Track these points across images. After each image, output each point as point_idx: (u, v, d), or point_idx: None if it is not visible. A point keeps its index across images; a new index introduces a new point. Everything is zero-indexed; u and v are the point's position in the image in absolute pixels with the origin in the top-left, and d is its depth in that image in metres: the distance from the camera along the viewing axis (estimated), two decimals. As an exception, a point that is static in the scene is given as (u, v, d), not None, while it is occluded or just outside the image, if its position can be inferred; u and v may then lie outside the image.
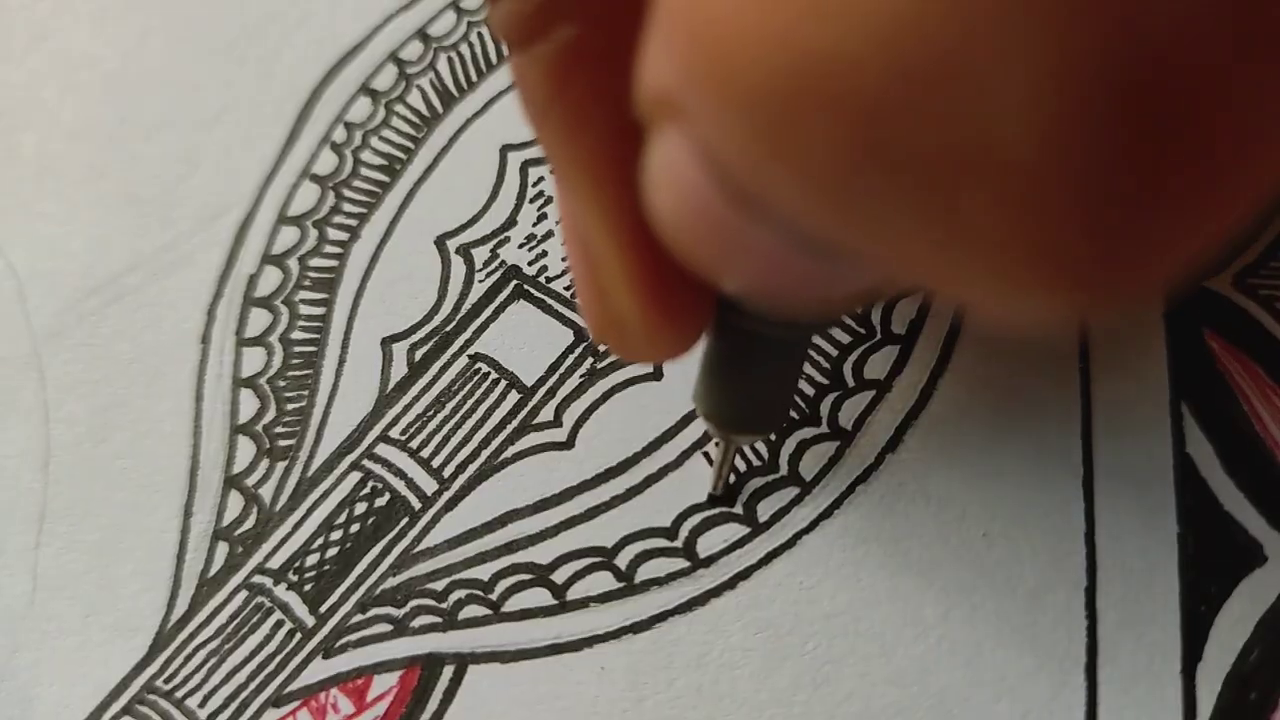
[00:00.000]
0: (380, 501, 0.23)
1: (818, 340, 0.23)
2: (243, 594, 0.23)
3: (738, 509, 0.22)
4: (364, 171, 0.27)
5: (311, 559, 0.23)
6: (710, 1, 0.10)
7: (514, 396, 0.24)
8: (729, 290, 0.16)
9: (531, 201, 0.26)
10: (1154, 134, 0.09)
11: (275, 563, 0.23)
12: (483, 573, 0.23)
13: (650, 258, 0.16)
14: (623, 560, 0.22)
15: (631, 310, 0.16)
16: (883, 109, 0.09)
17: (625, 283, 0.16)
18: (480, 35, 0.28)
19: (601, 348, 0.24)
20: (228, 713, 0.22)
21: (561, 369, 0.24)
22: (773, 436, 0.23)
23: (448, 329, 0.25)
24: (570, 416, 0.24)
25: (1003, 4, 0.08)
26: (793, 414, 0.23)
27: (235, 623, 0.23)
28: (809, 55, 0.09)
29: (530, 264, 0.25)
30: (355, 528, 0.23)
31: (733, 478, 0.23)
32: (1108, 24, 0.08)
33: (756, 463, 0.22)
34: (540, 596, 0.22)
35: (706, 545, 0.22)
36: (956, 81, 0.09)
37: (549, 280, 0.25)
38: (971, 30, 0.09)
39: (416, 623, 0.22)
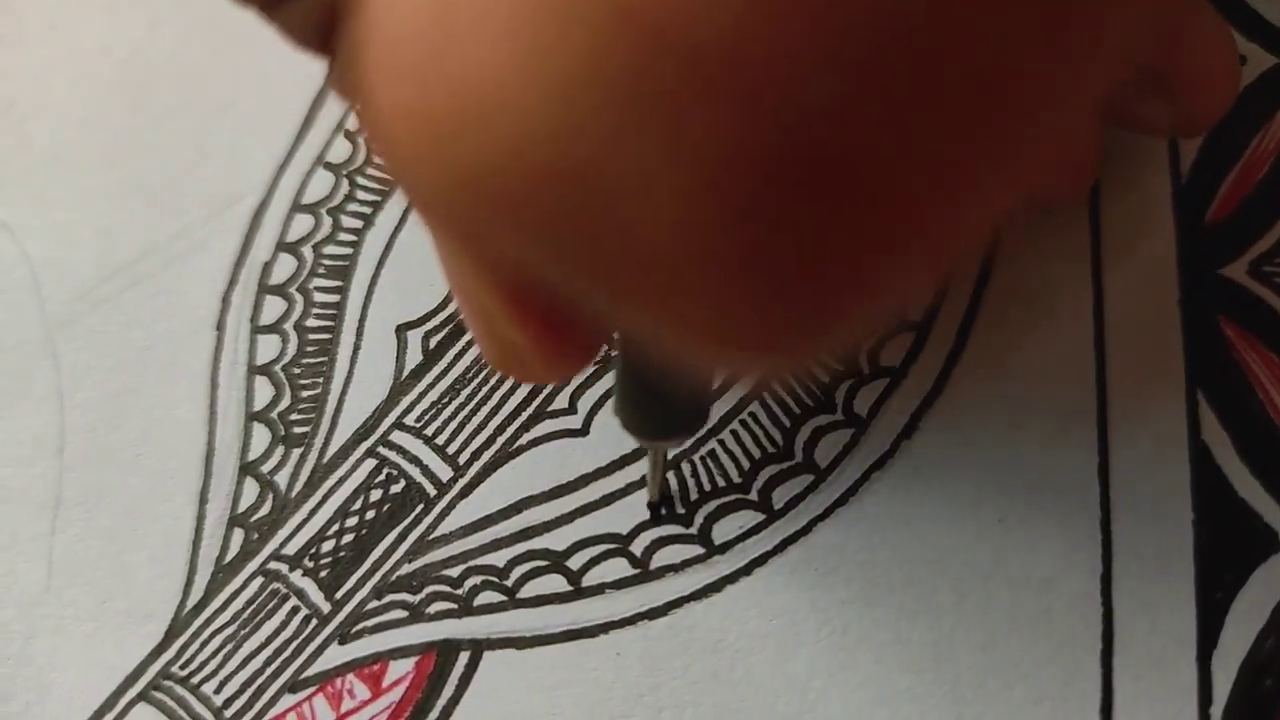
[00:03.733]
0: (396, 488, 0.23)
1: (832, 327, 0.23)
2: (258, 580, 0.23)
3: (752, 496, 0.22)
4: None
5: (327, 545, 0.23)
6: (380, 102, 0.10)
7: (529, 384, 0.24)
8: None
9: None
10: (798, 220, 0.09)
11: (291, 549, 0.23)
12: (498, 559, 0.23)
13: (529, 298, 0.16)
14: (638, 547, 0.22)
15: (524, 345, 0.17)
16: (531, 210, 0.10)
17: (509, 320, 0.17)
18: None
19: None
20: (243, 699, 0.22)
21: (576, 356, 0.24)
22: (788, 423, 0.23)
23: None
24: (585, 403, 0.24)
25: (630, 120, 0.09)
26: (808, 401, 0.23)
27: (251, 609, 0.23)
28: (459, 166, 0.10)
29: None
30: (371, 514, 0.23)
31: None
32: (737, 129, 0.09)
33: (772, 449, 0.22)
34: (555, 583, 0.22)
35: (722, 532, 0.22)
36: (593, 188, 0.09)
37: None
38: (604, 143, 0.09)
39: (432, 609, 0.22)
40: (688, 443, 0.23)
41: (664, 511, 0.22)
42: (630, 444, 0.23)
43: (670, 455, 0.22)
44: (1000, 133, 0.10)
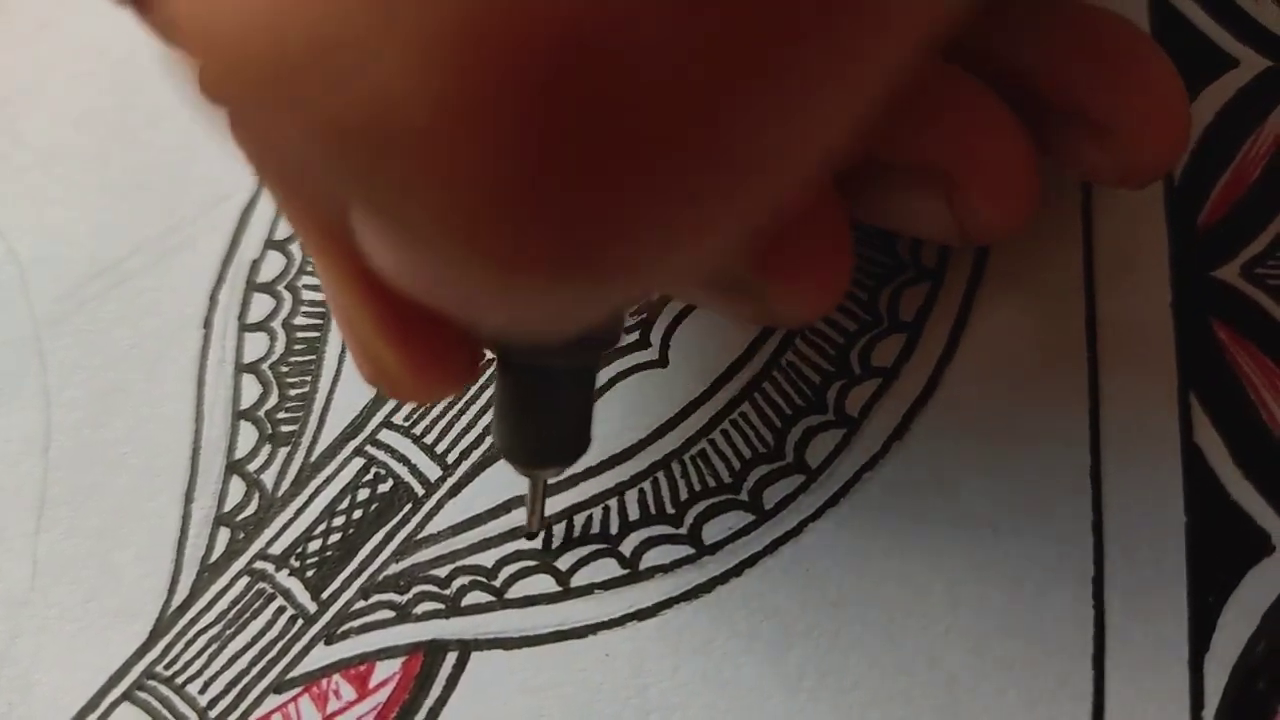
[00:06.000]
0: (383, 487, 0.23)
1: (824, 327, 0.23)
2: (244, 580, 0.23)
3: (743, 496, 0.22)
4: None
5: (314, 545, 0.23)
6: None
7: (518, 383, 0.24)
8: (483, 333, 0.16)
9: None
10: (575, 114, 0.09)
11: (277, 548, 0.23)
12: (486, 559, 0.22)
13: (395, 311, 0.16)
14: (627, 547, 0.22)
15: (391, 361, 0.17)
16: (281, 77, 0.09)
17: (378, 337, 0.17)
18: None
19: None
20: (228, 699, 0.22)
21: (566, 355, 0.24)
22: (779, 423, 0.22)
23: (452, 315, 0.25)
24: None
25: None
26: (799, 401, 0.23)
27: (237, 609, 0.23)
28: (226, 32, 0.10)
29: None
30: (358, 514, 0.23)
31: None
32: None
33: (762, 450, 0.22)
34: (544, 583, 0.22)
35: (712, 532, 0.22)
36: (340, 46, 0.09)
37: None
38: (361, 11, 0.09)
39: (419, 609, 0.22)
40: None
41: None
42: (620, 444, 0.23)
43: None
44: (804, 61, 0.09)
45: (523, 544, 0.22)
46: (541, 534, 0.22)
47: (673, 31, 0.09)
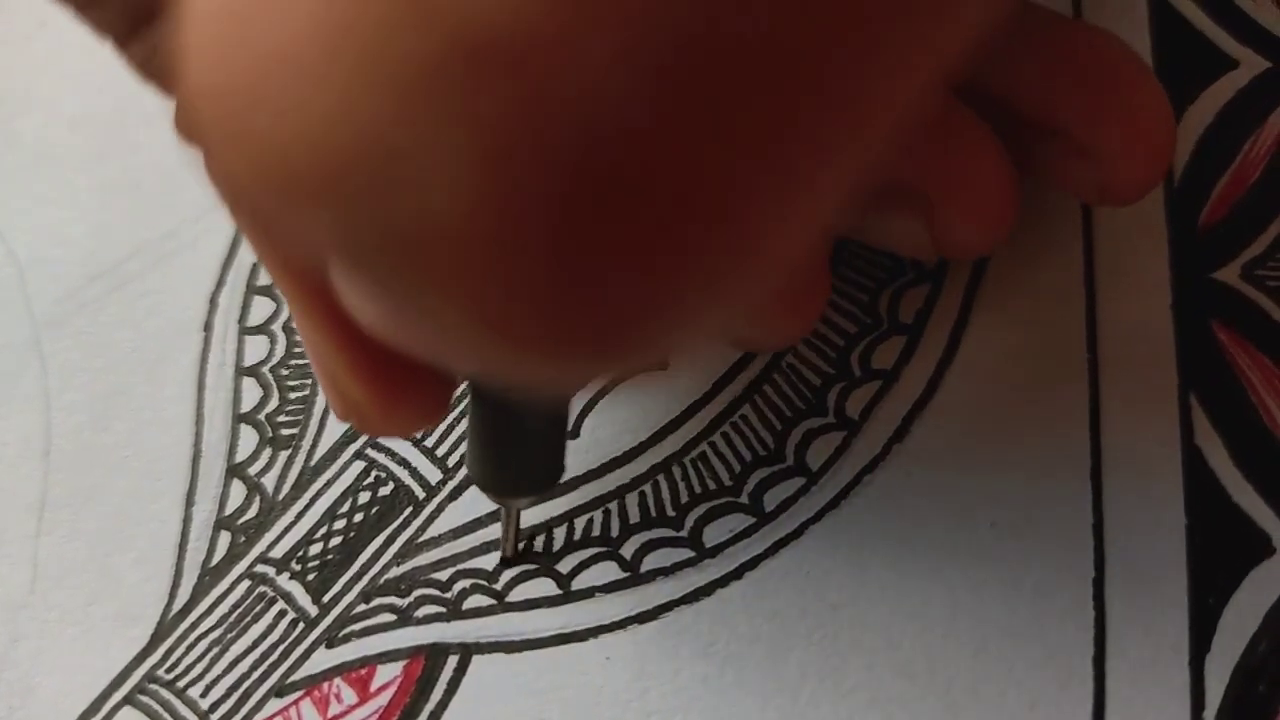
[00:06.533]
0: (384, 490, 0.23)
1: (824, 330, 0.23)
2: (245, 583, 0.23)
3: (743, 499, 0.22)
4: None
5: (315, 548, 0.23)
6: (189, 81, 0.10)
7: (519, 386, 0.24)
8: (457, 372, 0.16)
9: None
10: (592, 217, 0.09)
11: (278, 552, 0.23)
12: (487, 562, 0.22)
13: (365, 348, 0.16)
14: (628, 550, 0.22)
15: (362, 399, 0.17)
16: (319, 188, 0.10)
17: (350, 376, 0.17)
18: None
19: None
20: (230, 702, 0.22)
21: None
22: (779, 426, 0.22)
23: (452, 318, 0.25)
24: (575, 406, 0.23)
25: (420, 104, 0.09)
26: (800, 404, 0.23)
27: (238, 612, 0.23)
28: (252, 139, 0.10)
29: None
30: (359, 517, 0.23)
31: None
32: (527, 124, 0.09)
33: (763, 452, 0.22)
34: (545, 586, 0.22)
35: (713, 535, 0.22)
36: (382, 169, 0.09)
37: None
38: (394, 124, 0.09)
39: (420, 612, 0.22)
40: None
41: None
42: (622, 446, 0.23)
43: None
44: (815, 134, 0.10)
45: (523, 547, 0.22)
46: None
47: (681, 144, 0.09)
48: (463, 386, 0.22)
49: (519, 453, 0.20)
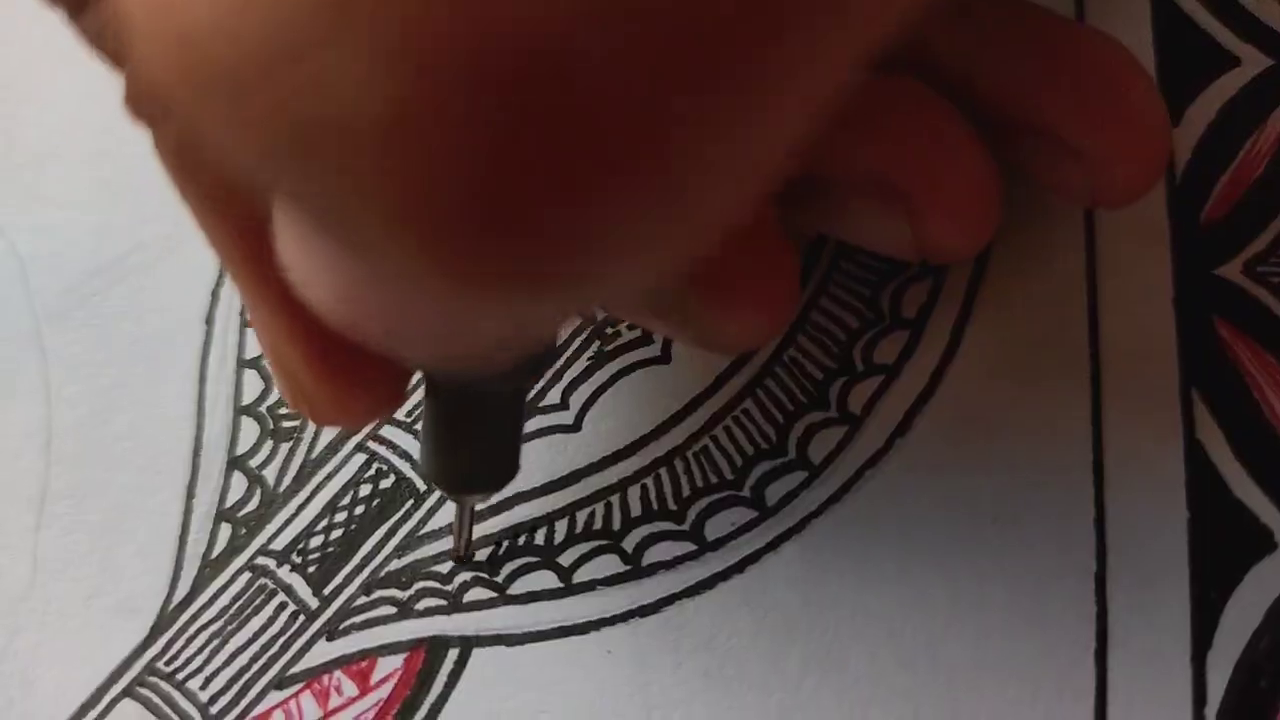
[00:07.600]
0: (385, 483, 0.23)
1: (827, 324, 0.23)
2: (246, 576, 0.23)
3: (745, 493, 0.22)
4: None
5: (315, 541, 0.23)
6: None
7: (520, 379, 0.24)
8: (410, 362, 0.16)
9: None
10: (537, 121, 0.09)
11: (279, 544, 0.23)
12: (488, 555, 0.22)
13: (316, 337, 0.17)
14: (630, 543, 0.22)
15: (312, 387, 0.17)
16: (247, 81, 0.09)
17: (300, 364, 0.17)
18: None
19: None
20: (229, 695, 0.22)
21: (568, 351, 0.24)
22: (781, 420, 0.22)
23: (454, 311, 0.25)
24: (577, 399, 0.23)
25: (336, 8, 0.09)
26: (802, 398, 0.23)
27: (238, 605, 0.23)
28: (177, 39, 0.10)
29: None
30: (360, 509, 0.23)
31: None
32: (457, 16, 0.09)
33: (765, 446, 0.22)
34: (546, 579, 0.22)
35: (714, 529, 0.22)
36: (306, 53, 0.09)
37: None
38: (311, 26, 0.09)
39: (421, 605, 0.22)
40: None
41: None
42: (623, 440, 0.23)
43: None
44: (745, 77, 0.10)
45: (525, 540, 0.22)
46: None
47: (630, 43, 0.09)
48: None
49: (474, 448, 0.20)
